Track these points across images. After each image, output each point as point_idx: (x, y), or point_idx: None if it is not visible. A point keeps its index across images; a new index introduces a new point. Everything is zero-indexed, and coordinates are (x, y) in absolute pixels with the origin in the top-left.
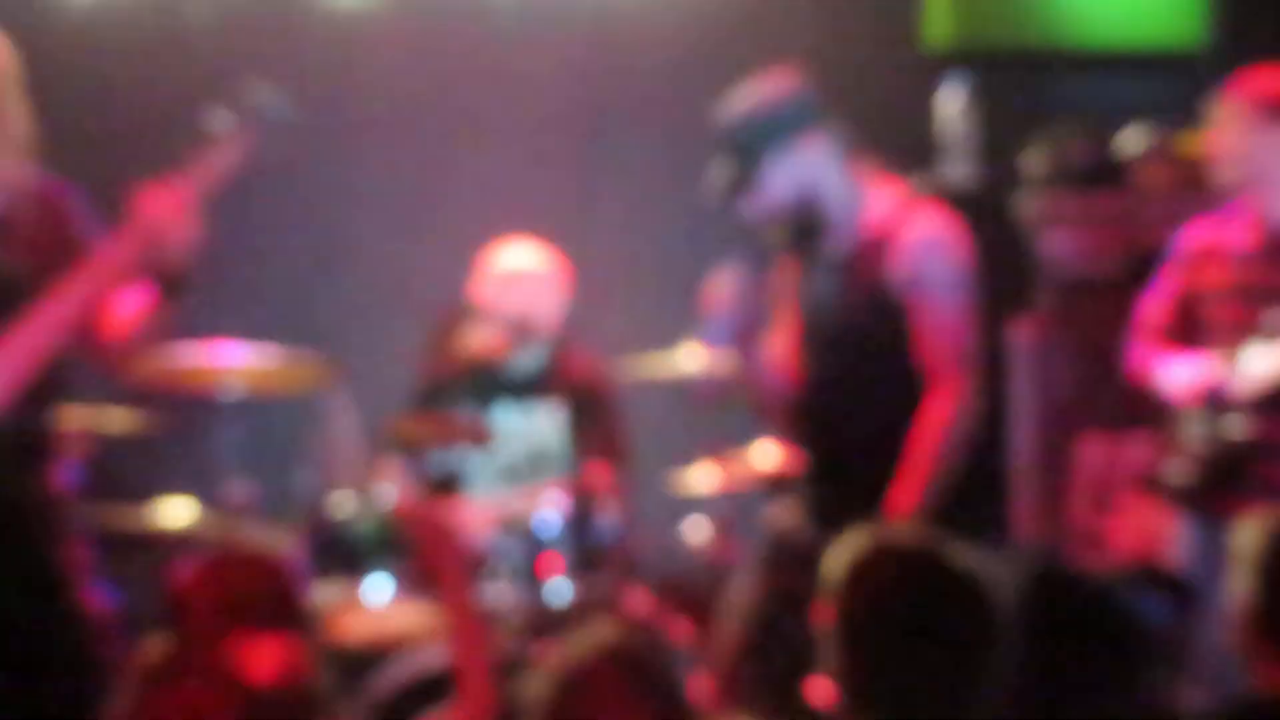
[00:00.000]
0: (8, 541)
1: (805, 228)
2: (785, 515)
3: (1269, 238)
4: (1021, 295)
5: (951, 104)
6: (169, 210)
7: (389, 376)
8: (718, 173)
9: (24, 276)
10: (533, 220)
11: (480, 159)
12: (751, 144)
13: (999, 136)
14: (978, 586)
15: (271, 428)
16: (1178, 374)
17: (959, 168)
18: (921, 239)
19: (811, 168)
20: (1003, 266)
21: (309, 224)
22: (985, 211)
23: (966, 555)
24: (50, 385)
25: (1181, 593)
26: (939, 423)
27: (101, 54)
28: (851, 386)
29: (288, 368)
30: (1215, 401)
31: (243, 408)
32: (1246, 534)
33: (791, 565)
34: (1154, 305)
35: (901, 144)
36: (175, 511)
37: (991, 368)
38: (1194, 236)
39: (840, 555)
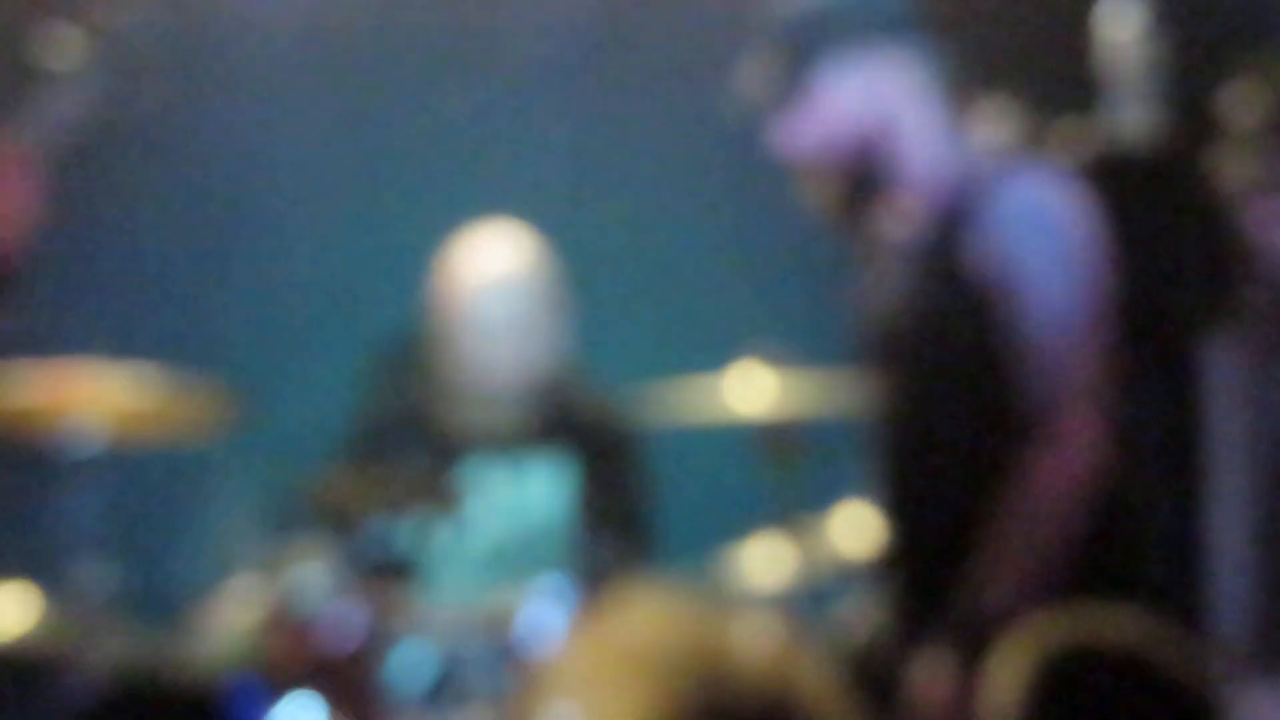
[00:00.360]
0: None
1: (865, 183)
2: (862, 619)
3: None
4: (1222, 296)
5: (1123, 26)
6: None
7: (309, 416)
8: (753, 78)
9: None
10: (515, 199)
11: (445, 112)
12: (807, 40)
13: (1191, 71)
14: (1203, 701)
15: (143, 488)
16: None
17: (1132, 114)
18: (1021, 209)
19: (890, 94)
20: (1195, 255)
21: (201, 203)
22: (1170, 176)
23: (1185, 657)
24: None
25: None
26: (1051, 481)
27: None
28: (934, 428)
29: (166, 404)
30: None
31: (102, 461)
32: None
33: (870, 692)
34: None
35: (1051, 80)
36: (4, 606)
37: (1174, 400)
38: None
39: (1011, 664)
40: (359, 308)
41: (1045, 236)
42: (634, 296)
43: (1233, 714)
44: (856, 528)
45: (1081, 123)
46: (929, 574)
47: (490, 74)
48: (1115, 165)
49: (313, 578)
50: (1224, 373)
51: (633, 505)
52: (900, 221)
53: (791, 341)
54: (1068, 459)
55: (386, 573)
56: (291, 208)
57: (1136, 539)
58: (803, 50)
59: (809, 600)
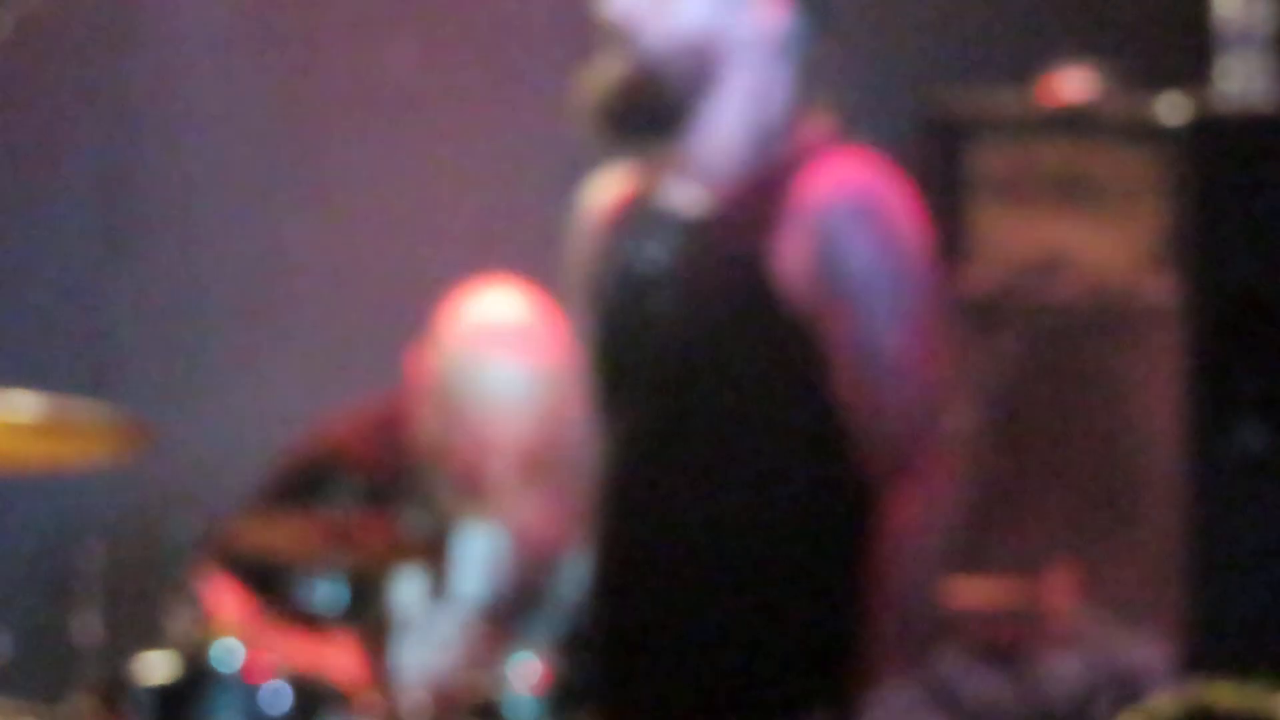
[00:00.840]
0: None
1: (669, 92)
2: None
3: None
4: None
5: None
6: None
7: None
8: None
9: None
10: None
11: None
12: None
13: None
14: None
15: (34, 533)
16: None
17: (1247, 79)
18: (843, 196)
19: (748, 27)
20: None
21: (105, 184)
22: None
23: None
24: None
25: None
26: (900, 538)
27: None
28: (703, 468)
29: (63, 426)
30: None
31: None
32: None
33: None
34: None
35: (1159, 41)
36: None
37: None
38: None
39: None
40: (290, 320)
41: (871, 229)
42: None
43: None
44: None
45: (1192, 91)
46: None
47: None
48: (1231, 135)
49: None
50: None
51: None
52: (688, 185)
53: None
54: (924, 494)
55: (320, 629)
56: (207, 196)
57: None
58: None
59: None
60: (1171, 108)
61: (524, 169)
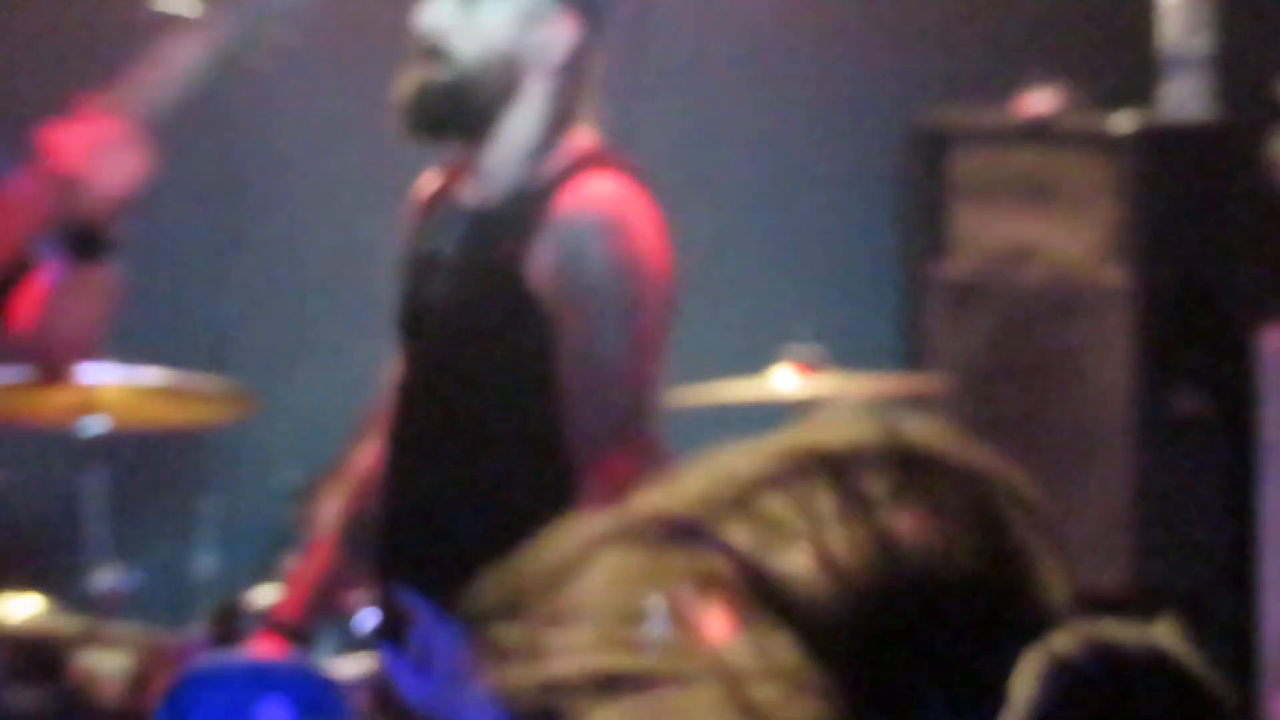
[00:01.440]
0: None
1: (472, 115)
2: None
3: None
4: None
5: (1180, 9)
6: (92, 143)
7: (331, 409)
8: None
9: None
10: None
11: None
12: None
13: (1248, 52)
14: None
15: (156, 482)
16: None
17: (1189, 96)
18: (587, 212)
19: (544, 49)
20: (1251, 242)
21: (223, 190)
22: (1227, 158)
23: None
24: None
25: None
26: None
27: None
28: (451, 427)
29: (186, 393)
30: None
31: (112, 452)
32: None
33: None
34: None
35: (1112, 63)
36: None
37: (1235, 400)
38: None
39: (1029, 669)
40: (370, 303)
41: (605, 252)
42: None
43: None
44: None
45: (1140, 107)
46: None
47: None
48: (1173, 144)
49: None
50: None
51: None
52: (477, 185)
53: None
54: (608, 491)
55: None
56: (304, 198)
57: None
58: None
59: None
60: (1122, 121)
61: None
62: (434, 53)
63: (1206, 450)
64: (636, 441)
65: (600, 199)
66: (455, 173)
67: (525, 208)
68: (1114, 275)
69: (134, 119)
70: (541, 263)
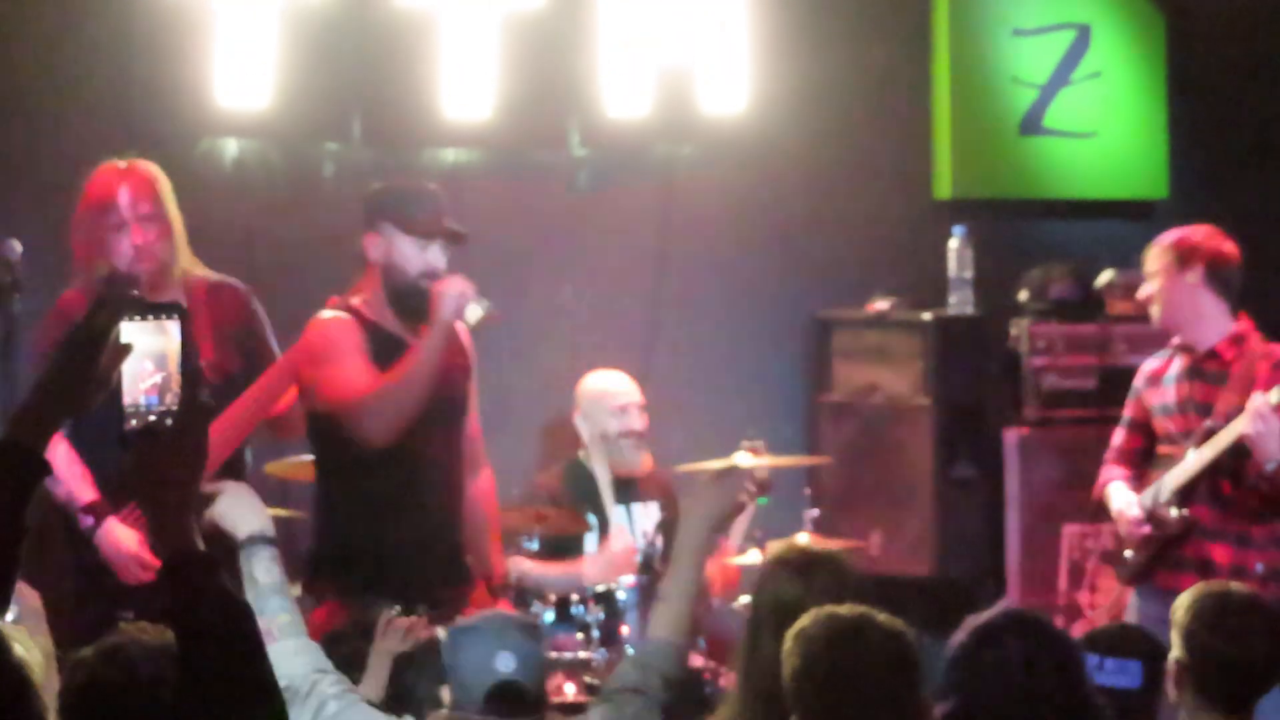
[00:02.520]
0: None
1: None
2: None
3: (1192, 361)
4: (1013, 406)
5: (957, 246)
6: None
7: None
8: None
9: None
10: (609, 348)
11: (564, 295)
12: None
13: (996, 273)
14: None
15: None
16: (1115, 498)
17: (964, 301)
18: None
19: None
20: (998, 382)
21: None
22: (983, 337)
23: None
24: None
25: (1153, 654)
26: None
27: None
28: None
29: None
30: (1154, 494)
31: None
32: (1180, 604)
33: None
34: (1117, 432)
35: (919, 281)
36: None
37: (991, 470)
38: (1145, 368)
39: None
40: (521, 414)
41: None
42: (677, 407)
43: None
44: None
45: (937, 309)
46: None
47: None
48: (954, 328)
49: None
50: (1013, 448)
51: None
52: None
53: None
54: None
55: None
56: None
57: None
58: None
59: None
60: (926, 315)
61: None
62: None
63: (975, 500)
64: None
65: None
66: None
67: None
68: (922, 401)
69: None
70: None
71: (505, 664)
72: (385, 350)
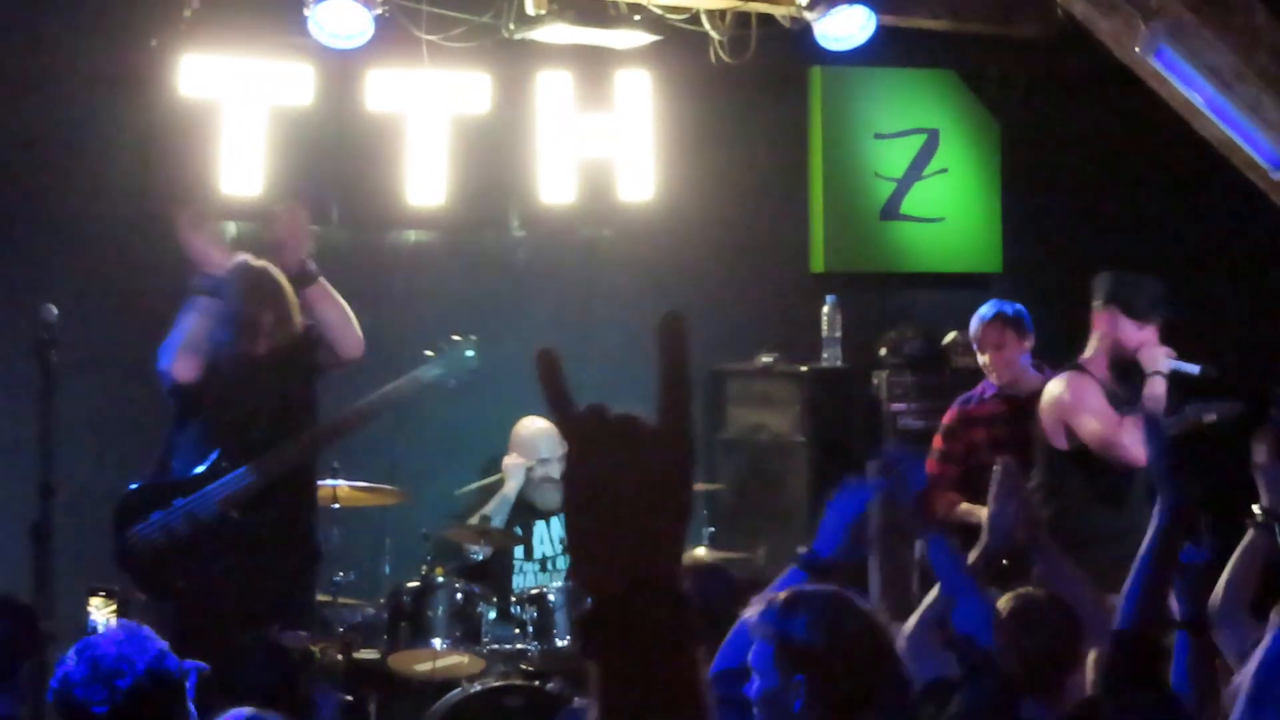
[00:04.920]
0: None
1: None
2: None
3: (1010, 404)
4: (875, 443)
5: (828, 311)
6: None
7: (445, 502)
8: None
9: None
10: (540, 398)
11: (511, 351)
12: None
13: (860, 333)
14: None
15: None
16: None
17: (833, 355)
18: None
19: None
20: (862, 423)
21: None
22: (849, 386)
23: None
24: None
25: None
26: None
27: None
28: None
29: (372, 492)
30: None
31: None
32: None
33: None
34: (934, 466)
35: (797, 339)
36: None
37: None
38: (954, 412)
39: None
40: (471, 449)
41: None
42: None
43: None
44: None
45: (811, 362)
46: None
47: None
48: (826, 379)
49: None
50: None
51: None
52: None
53: None
54: None
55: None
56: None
57: None
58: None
59: None
60: (802, 367)
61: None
62: None
63: None
64: None
65: None
66: None
67: None
68: (799, 439)
69: None
70: None
71: None
72: None
